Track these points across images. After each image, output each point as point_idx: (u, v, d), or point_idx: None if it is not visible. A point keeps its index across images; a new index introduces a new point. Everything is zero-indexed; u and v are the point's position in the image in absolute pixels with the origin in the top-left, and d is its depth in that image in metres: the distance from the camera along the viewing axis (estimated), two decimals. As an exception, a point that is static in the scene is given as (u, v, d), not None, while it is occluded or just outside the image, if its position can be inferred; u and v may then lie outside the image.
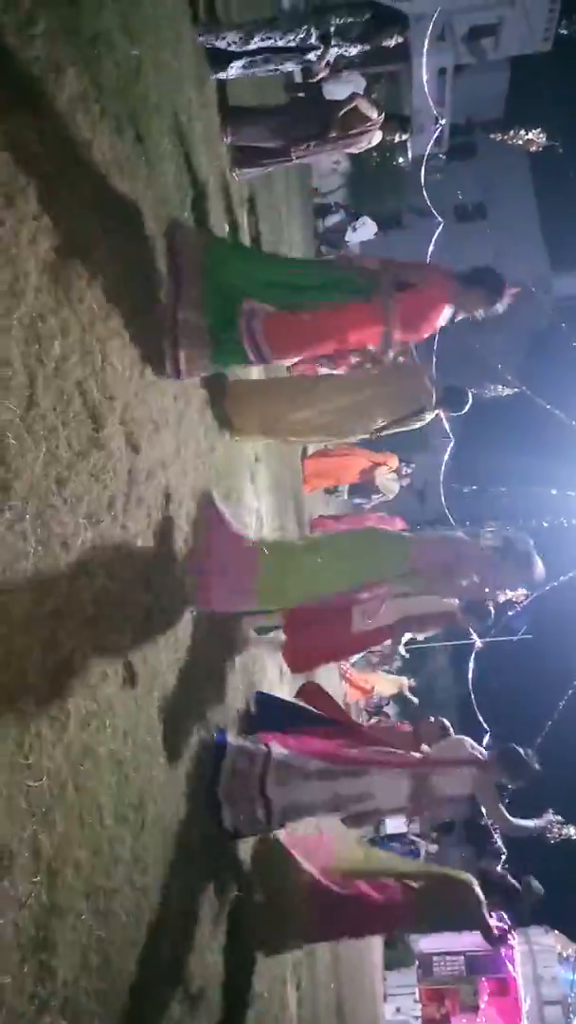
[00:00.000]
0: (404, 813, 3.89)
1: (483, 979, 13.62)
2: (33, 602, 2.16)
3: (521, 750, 3.80)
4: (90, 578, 2.51)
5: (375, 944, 12.48)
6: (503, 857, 11.91)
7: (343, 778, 3.60)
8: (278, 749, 3.68)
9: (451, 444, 13.36)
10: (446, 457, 13.07)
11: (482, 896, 3.81)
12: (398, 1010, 14.07)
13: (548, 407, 10.93)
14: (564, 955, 14.77)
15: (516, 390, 10.40)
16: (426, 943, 13.81)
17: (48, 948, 2.03)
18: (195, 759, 3.39)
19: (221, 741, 3.64)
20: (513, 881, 3.90)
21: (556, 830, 11.99)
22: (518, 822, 3.84)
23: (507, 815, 3.84)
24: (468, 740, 4.04)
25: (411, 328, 3.72)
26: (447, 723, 5.74)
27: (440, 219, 14.45)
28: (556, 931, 15.21)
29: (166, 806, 3.01)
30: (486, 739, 7.53)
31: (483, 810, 3.93)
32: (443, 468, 13.18)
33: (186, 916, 3.10)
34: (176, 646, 3.32)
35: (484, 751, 3.92)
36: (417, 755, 3.85)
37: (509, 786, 3.86)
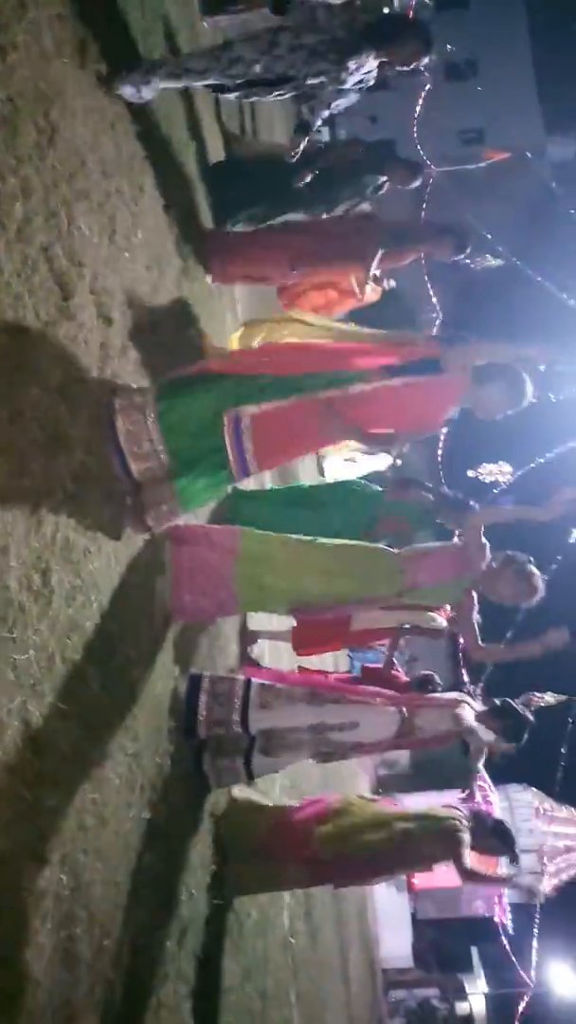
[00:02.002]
0: (384, 748, 3.81)
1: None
2: (10, 476, 2.11)
3: (515, 704, 3.82)
4: (68, 453, 2.46)
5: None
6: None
7: (329, 704, 3.57)
8: (259, 679, 3.64)
9: (439, 320, 13.06)
10: (433, 332, 12.81)
11: (466, 837, 3.76)
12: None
13: (539, 279, 10.61)
14: (540, 810, 15.72)
15: (505, 261, 10.04)
16: (410, 801, 14.59)
17: (42, 814, 2.10)
18: (179, 627, 3.44)
19: (195, 676, 3.51)
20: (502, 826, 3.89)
21: (535, 700, 12.49)
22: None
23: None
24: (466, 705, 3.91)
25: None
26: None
27: (428, 76, 13.55)
28: (533, 788, 16.13)
29: (154, 675, 3.07)
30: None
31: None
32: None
33: (178, 780, 3.22)
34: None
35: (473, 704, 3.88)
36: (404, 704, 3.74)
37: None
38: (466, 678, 10.04)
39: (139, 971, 2.59)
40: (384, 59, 3.67)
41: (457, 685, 8.97)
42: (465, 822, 3.59)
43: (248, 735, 3.52)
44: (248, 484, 4.53)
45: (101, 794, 2.45)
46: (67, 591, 2.37)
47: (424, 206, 11.35)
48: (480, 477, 3.64)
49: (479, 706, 3.90)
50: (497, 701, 3.89)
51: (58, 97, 2.61)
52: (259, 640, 5.08)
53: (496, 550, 3.39)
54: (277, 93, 3.77)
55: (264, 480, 5.77)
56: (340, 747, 3.61)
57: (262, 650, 5.15)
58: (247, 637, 4.98)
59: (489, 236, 12.55)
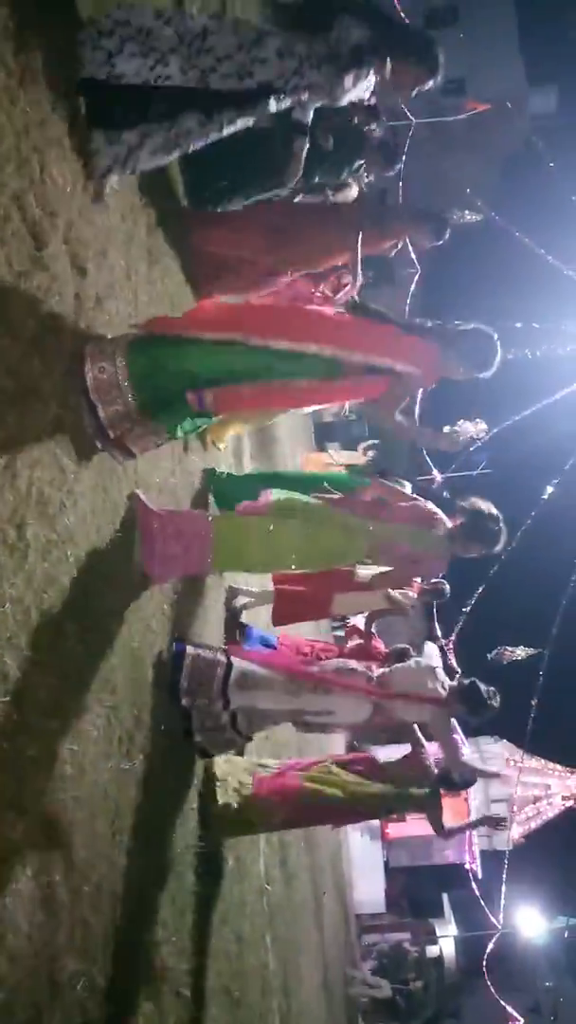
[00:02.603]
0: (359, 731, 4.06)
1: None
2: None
3: (483, 688, 3.90)
4: (43, 405, 2.43)
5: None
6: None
7: (306, 694, 3.70)
8: (240, 661, 3.72)
9: (417, 275, 12.95)
10: (412, 288, 12.71)
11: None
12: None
13: (517, 234, 10.53)
14: (511, 761, 16.10)
15: (482, 216, 9.93)
16: (383, 753, 14.88)
17: (21, 763, 2.12)
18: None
19: (180, 649, 3.58)
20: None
21: (507, 653, 12.73)
22: (468, 763, 4.06)
23: (459, 752, 4.05)
24: (436, 670, 4.07)
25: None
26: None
27: (408, 23, 13.24)
28: (504, 740, 16.50)
29: (132, 629, 3.09)
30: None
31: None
32: (408, 301, 12.83)
33: (156, 733, 3.26)
34: (136, 480, 3.29)
35: (446, 683, 3.99)
36: (378, 686, 3.89)
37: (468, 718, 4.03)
38: (439, 632, 10.19)
39: (118, 914, 2.65)
40: (383, 78, 3.28)
41: (431, 639, 9.13)
42: (435, 783, 3.84)
43: (229, 711, 3.63)
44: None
45: (80, 745, 2.48)
46: (43, 545, 2.36)
47: (400, 188, 11.14)
48: (456, 433, 3.66)
49: (447, 680, 4.02)
50: (465, 681, 3.99)
51: (26, 41, 2.52)
52: (240, 597, 5.12)
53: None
54: (246, 116, 3.14)
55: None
56: (317, 726, 3.89)
57: (245, 601, 5.17)
58: (230, 593, 5.02)
59: (468, 190, 12.42)
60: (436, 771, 4.32)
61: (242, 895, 4.27)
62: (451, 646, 11.49)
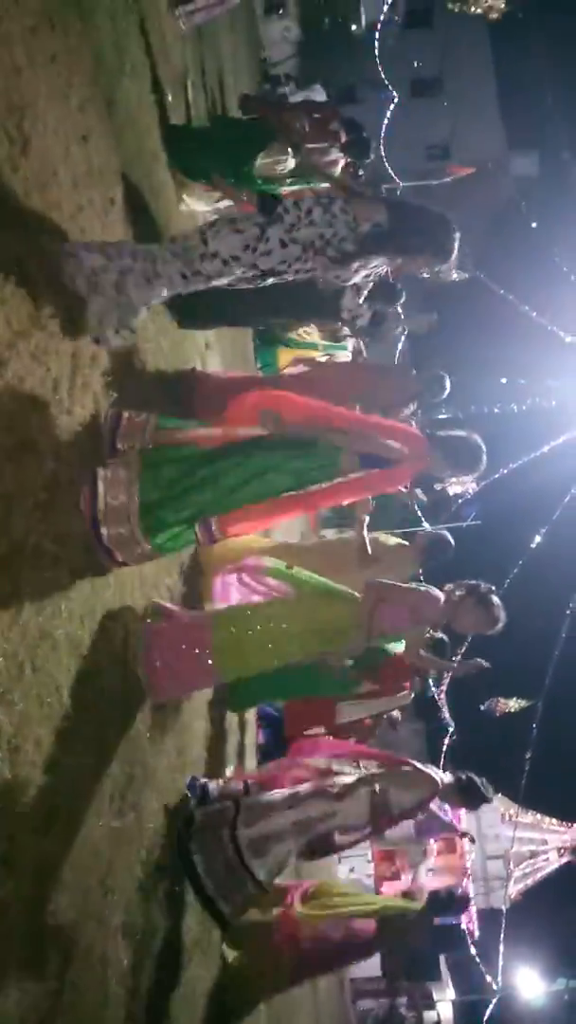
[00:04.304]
0: (363, 832, 4.10)
1: (431, 839, 14.63)
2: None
3: (479, 783, 3.96)
4: (39, 460, 2.47)
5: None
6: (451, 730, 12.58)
7: (309, 800, 3.75)
8: (247, 799, 3.80)
9: (404, 332, 13.21)
10: (400, 347, 12.96)
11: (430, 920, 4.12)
12: (351, 870, 15.06)
13: (501, 292, 10.79)
14: (507, 816, 15.86)
15: (468, 274, 10.21)
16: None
17: (8, 817, 2.11)
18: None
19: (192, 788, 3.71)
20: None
21: (501, 705, 12.66)
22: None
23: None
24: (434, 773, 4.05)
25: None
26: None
27: (394, 92, 13.79)
28: (499, 795, 16.29)
29: (126, 685, 3.08)
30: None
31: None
32: (396, 355, 13.07)
33: (147, 784, 3.23)
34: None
35: (442, 776, 3.99)
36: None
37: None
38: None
39: (107, 982, 2.60)
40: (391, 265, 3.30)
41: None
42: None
43: (236, 848, 3.66)
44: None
45: (70, 800, 2.46)
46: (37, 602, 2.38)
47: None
48: (445, 487, 3.75)
49: (447, 777, 4.02)
50: (462, 776, 4.01)
51: (29, 109, 2.64)
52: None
53: (457, 580, 3.57)
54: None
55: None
56: (323, 838, 3.87)
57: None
58: None
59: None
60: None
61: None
62: (441, 696, 11.42)
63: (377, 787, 3.76)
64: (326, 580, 3.78)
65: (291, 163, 4.98)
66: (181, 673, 3.36)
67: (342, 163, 5.68)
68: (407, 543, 5.02)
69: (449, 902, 4.26)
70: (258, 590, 3.95)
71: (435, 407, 4.57)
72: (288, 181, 5.12)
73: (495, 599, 3.54)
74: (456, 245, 3.11)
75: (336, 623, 3.53)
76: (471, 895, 14.85)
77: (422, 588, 3.65)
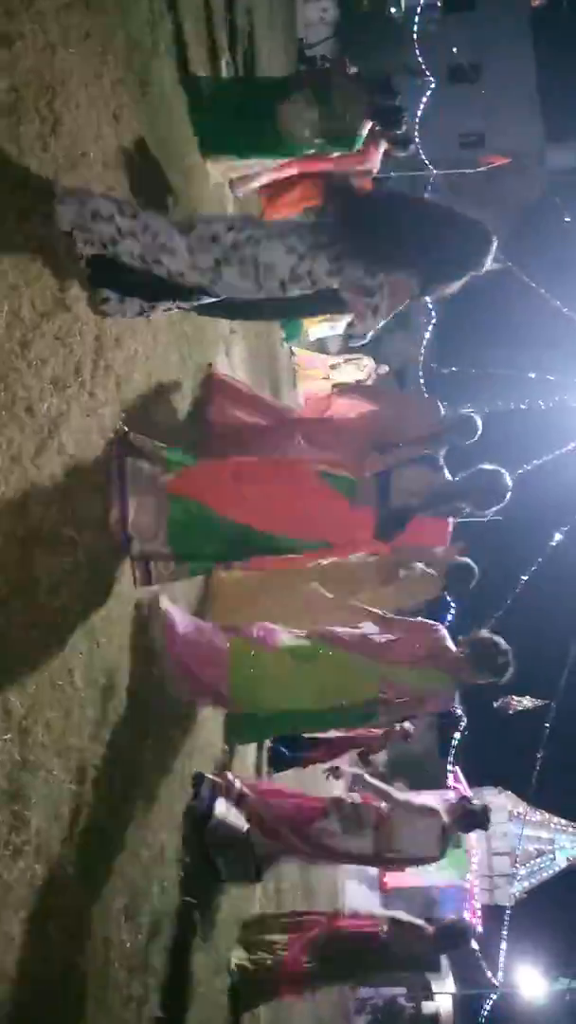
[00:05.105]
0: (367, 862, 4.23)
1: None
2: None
3: (484, 815, 4.13)
4: (57, 444, 2.46)
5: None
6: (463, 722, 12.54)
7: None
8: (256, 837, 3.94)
9: (432, 323, 13.11)
10: (427, 336, 12.85)
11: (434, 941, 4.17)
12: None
13: (533, 285, 10.65)
14: (514, 813, 15.84)
15: (500, 266, 10.06)
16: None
17: (20, 800, 2.11)
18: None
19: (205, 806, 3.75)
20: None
21: (514, 703, 12.58)
22: None
23: None
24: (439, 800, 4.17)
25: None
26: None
27: (431, 79, 13.60)
28: (508, 792, 16.26)
29: (137, 672, 3.08)
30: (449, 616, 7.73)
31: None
32: (423, 348, 12.97)
33: (155, 770, 3.23)
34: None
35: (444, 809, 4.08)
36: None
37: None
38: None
39: (109, 964, 2.61)
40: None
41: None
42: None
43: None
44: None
45: (79, 786, 2.46)
46: (51, 584, 2.37)
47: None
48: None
49: (451, 797, 4.07)
50: (469, 807, 4.11)
51: (62, 87, 2.60)
52: None
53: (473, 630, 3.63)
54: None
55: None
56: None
57: None
58: None
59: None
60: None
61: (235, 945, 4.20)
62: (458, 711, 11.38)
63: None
64: (348, 660, 3.62)
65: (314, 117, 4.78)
66: (198, 684, 3.40)
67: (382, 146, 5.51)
68: (432, 572, 4.86)
69: (459, 938, 4.27)
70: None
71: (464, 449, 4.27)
72: (316, 142, 4.93)
73: (502, 644, 3.53)
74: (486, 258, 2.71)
75: (356, 694, 3.55)
76: (477, 925, 14.90)
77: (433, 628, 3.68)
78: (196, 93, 4.61)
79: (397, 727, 5.32)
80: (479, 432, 4.50)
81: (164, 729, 3.40)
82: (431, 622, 3.73)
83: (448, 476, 3.38)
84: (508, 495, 3.38)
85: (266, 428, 4.60)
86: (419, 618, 3.86)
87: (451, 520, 3.53)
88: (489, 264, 2.70)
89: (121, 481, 2.88)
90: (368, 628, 3.65)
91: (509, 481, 3.37)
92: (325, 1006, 8.75)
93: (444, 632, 3.66)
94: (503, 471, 3.38)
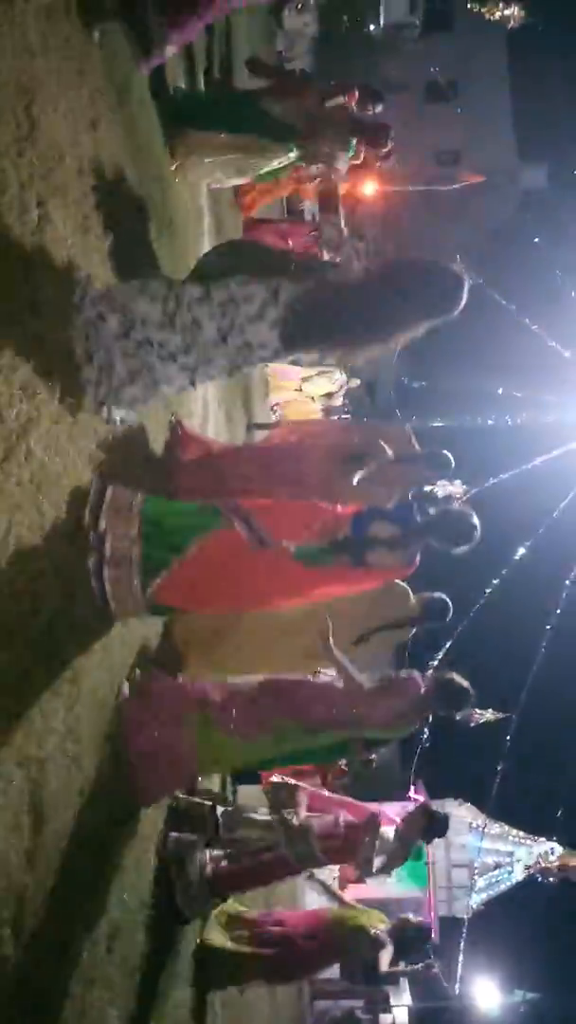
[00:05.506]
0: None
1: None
2: None
3: (444, 823, 4.18)
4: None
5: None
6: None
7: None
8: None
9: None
10: (397, 351, 12.94)
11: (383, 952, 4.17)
12: (310, 875, 15.08)
13: (503, 302, 10.81)
14: (473, 825, 15.93)
15: (471, 282, 10.18)
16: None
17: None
18: (134, 630, 3.42)
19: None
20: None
21: (476, 716, 12.68)
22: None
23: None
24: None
25: None
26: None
27: (409, 96, 13.76)
28: (469, 804, 16.35)
29: (100, 678, 3.05)
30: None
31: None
32: (394, 362, 13.06)
33: (118, 784, 3.20)
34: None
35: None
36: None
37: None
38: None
39: (64, 974, 2.57)
40: None
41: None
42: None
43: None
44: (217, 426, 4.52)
45: (38, 795, 2.43)
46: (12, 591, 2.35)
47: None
48: (435, 492, 3.74)
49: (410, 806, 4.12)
50: (431, 812, 4.20)
51: (39, 92, 2.59)
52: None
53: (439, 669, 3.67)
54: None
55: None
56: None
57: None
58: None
59: (458, 256, 12.78)
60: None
61: (191, 953, 4.16)
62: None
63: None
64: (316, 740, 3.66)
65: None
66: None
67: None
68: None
69: (415, 941, 4.30)
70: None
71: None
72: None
73: (468, 692, 3.57)
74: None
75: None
76: (434, 927, 14.96)
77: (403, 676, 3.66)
78: (171, 101, 4.62)
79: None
80: (452, 468, 4.53)
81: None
82: (414, 676, 3.65)
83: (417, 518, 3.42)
84: (477, 534, 3.39)
85: (238, 454, 4.49)
86: (400, 673, 3.74)
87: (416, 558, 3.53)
88: (460, 306, 2.84)
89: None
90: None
91: (476, 520, 3.38)
92: (284, 1015, 8.72)
93: (421, 682, 3.63)
94: (470, 512, 3.40)
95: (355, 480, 3.42)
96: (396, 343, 2.91)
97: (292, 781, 4.14)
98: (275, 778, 4.12)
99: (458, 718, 3.65)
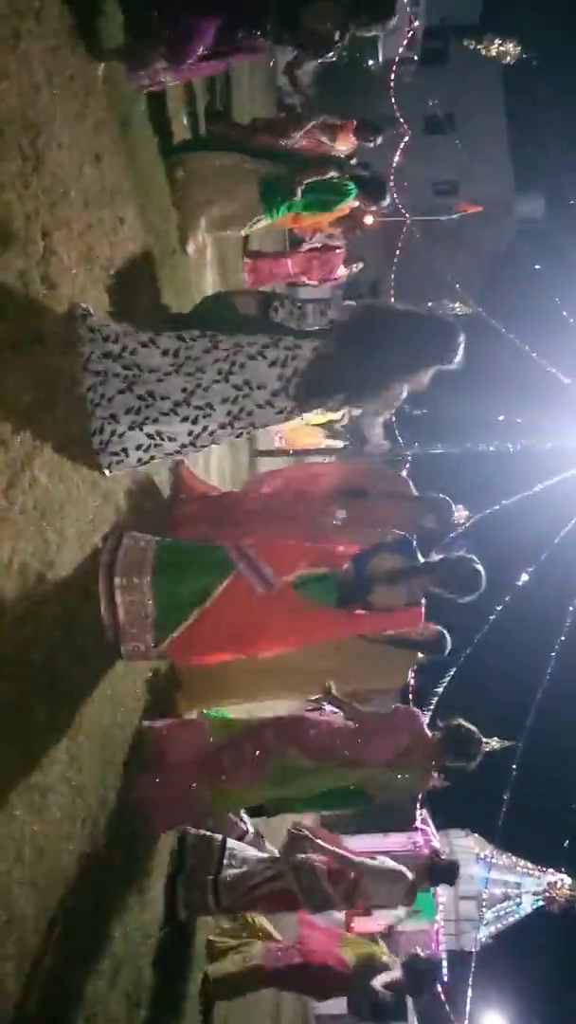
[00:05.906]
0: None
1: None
2: None
3: (451, 869, 4.16)
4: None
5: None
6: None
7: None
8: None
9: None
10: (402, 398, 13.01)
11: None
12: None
13: (502, 330, 10.88)
14: (481, 855, 15.70)
15: (471, 310, 10.28)
16: (353, 843, 14.48)
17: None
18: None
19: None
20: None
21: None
22: None
23: None
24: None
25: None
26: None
27: (407, 129, 13.98)
28: (475, 834, 16.13)
29: (103, 707, 3.04)
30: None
31: None
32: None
33: (121, 814, 3.17)
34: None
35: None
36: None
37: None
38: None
39: (66, 1009, 2.53)
40: None
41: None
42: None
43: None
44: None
45: (41, 825, 2.40)
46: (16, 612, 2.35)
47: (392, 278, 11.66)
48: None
49: (418, 839, 4.07)
50: (437, 863, 4.16)
51: (45, 127, 2.64)
52: None
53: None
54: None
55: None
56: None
57: None
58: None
59: (457, 285, 12.89)
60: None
61: (193, 989, 4.09)
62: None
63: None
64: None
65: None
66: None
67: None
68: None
69: (426, 978, 4.20)
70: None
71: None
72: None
73: (476, 738, 3.58)
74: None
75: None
76: (443, 961, 14.71)
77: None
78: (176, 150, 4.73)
79: None
80: (454, 516, 4.48)
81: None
82: (413, 710, 3.65)
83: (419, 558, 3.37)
84: (483, 583, 3.32)
85: (236, 499, 4.45)
86: (398, 706, 3.76)
87: (422, 602, 3.46)
88: (458, 357, 2.98)
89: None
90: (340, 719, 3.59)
91: (479, 567, 3.30)
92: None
93: (422, 720, 3.62)
94: (472, 559, 3.32)
95: (338, 519, 3.43)
96: (400, 392, 3.09)
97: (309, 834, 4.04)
98: (293, 828, 4.05)
99: (471, 768, 3.58)
